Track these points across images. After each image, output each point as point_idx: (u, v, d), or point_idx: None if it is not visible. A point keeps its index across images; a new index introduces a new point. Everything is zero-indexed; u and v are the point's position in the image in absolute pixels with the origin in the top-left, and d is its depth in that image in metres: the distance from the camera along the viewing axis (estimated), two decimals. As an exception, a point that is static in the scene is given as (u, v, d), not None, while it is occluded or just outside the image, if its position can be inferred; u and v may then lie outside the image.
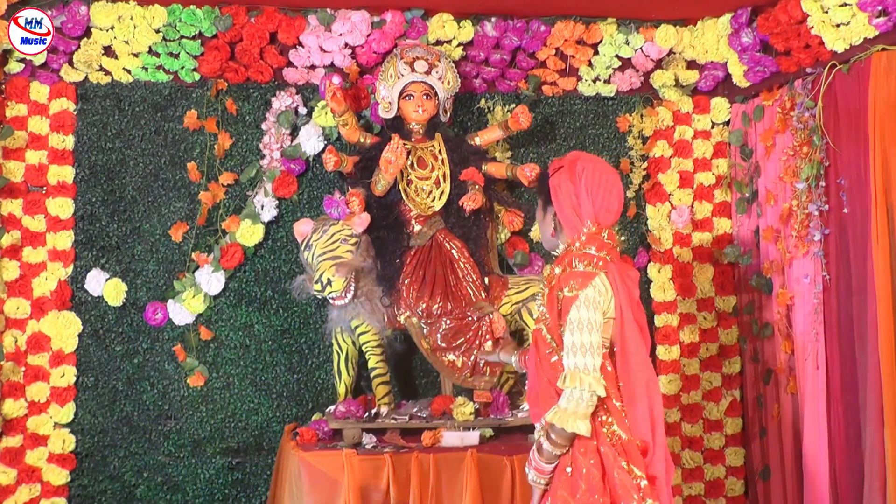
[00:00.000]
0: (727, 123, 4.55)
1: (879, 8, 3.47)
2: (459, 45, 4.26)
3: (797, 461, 4.03)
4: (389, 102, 3.97)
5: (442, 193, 3.94)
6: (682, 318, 4.45)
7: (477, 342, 3.78)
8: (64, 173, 4.03)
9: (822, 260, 3.83)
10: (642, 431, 2.40)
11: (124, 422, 4.06)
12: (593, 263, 2.41)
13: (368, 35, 4.16)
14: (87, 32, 4.01)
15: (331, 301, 3.72)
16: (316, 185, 4.21)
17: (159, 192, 4.13)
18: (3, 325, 3.95)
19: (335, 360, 3.90)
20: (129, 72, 4.09)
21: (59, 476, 3.96)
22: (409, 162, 3.90)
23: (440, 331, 3.80)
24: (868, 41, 3.57)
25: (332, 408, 3.81)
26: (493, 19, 4.25)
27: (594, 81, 4.43)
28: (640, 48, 4.40)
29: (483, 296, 3.85)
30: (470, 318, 3.80)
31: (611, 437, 2.37)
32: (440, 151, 3.98)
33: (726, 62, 4.42)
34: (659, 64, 4.48)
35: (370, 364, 3.82)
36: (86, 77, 4.07)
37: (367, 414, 3.71)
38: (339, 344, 3.87)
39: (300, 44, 4.15)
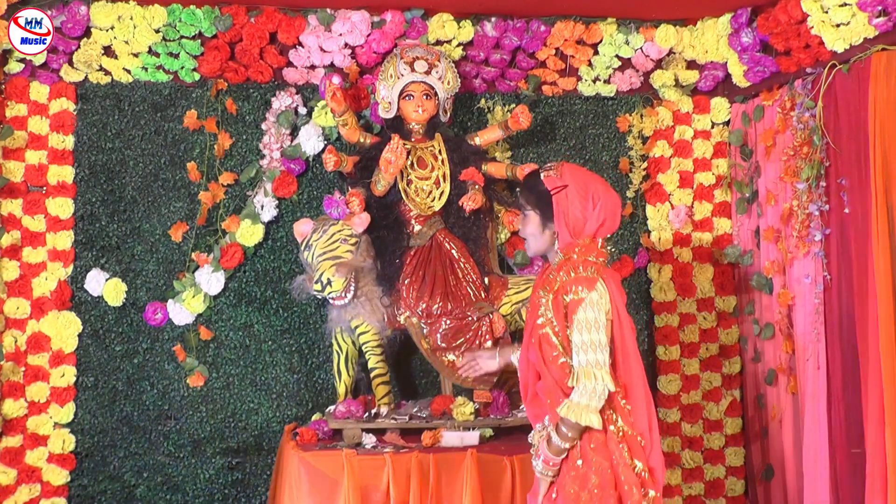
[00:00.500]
0: (727, 123, 4.54)
1: (879, 8, 3.47)
2: (459, 45, 4.26)
3: (798, 461, 4.03)
4: (389, 102, 3.97)
5: (442, 193, 3.94)
6: (682, 318, 4.45)
7: (477, 342, 3.78)
8: (64, 173, 4.03)
9: (823, 260, 3.83)
10: (642, 426, 2.57)
11: (124, 422, 4.06)
12: (595, 269, 2.56)
13: (368, 35, 4.16)
14: (87, 32, 4.01)
15: (331, 301, 3.73)
16: (316, 185, 4.21)
17: (159, 192, 4.13)
18: (3, 325, 3.95)
19: (335, 360, 3.90)
20: (128, 72, 4.09)
21: (58, 476, 3.96)
22: (408, 162, 3.90)
23: (440, 331, 3.80)
24: (868, 41, 3.57)
25: (332, 408, 3.81)
26: (493, 19, 4.25)
27: (594, 81, 4.43)
28: (640, 48, 4.40)
29: (483, 296, 3.85)
30: (470, 318, 3.80)
31: (616, 431, 2.52)
32: (440, 151, 3.98)
33: (726, 62, 4.42)
34: (659, 64, 4.48)
35: (370, 364, 3.82)
36: (86, 77, 4.07)
37: (367, 414, 3.71)
38: (339, 344, 3.87)
39: (300, 44, 4.15)
